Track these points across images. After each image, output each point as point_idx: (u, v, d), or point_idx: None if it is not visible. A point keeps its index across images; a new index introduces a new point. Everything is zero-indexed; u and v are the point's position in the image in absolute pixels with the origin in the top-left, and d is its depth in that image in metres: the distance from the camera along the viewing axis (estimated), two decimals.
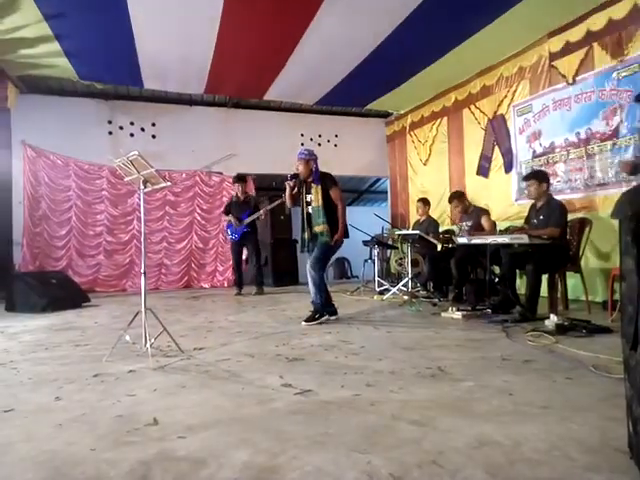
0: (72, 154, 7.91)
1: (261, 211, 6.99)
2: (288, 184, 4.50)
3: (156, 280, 8.26)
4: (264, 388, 2.42)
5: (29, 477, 1.51)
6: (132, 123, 8.34)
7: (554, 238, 4.29)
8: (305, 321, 4.33)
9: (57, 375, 2.73)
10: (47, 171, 7.82)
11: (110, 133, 8.22)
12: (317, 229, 4.40)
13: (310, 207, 4.46)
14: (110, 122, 8.23)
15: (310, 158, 4.43)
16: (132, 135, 8.34)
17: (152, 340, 3.07)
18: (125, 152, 3.20)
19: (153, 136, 8.45)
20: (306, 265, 4.49)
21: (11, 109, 7.13)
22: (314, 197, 4.40)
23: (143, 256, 3.30)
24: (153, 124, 8.44)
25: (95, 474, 1.52)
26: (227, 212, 7.17)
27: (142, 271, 3.27)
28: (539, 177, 4.63)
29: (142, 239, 3.37)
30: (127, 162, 3.18)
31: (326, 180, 4.44)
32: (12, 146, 7.69)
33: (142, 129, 8.40)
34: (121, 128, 8.28)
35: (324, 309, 4.44)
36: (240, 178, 7.20)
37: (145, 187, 3.27)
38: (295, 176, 4.48)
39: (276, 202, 7.03)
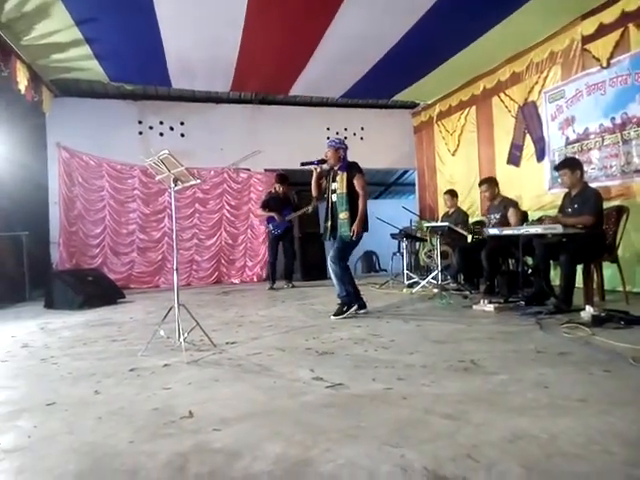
0: (104, 155, 8.11)
1: (309, 207, 7.11)
2: (315, 169, 4.50)
3: (187, 276, 8.41)
4: (295, 381, 2.44)
5: (71, 468, 1.57)
6: (161, 122, 8.49)
7: (588, 227, 4.16)
8: (334, 315, 4.34)
9: (95, 369, 2.82)
10: (81, 172, 8.04)
11: (140, 133, 8.39)
12: (341, 216, 4.39)
13: (335, 195, 4.45)
14: (140, 122, 8.39)
15: (339, 147, 4.45)
16: (162, 134, 8.48)
17: (186, 335, 3.14)
18: (156, 151, 3.26)
19: (182, 135, 8.57)
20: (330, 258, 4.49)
21: (46, 113, 7.34)
22: (339, 185, 4.40)
23: (175, 253, 3.37)
24: (182, 123, 8.56)
25: (134, 466, 1.56)
26: (265, 207, 7.29)
27: (174, 267, 3.34)
28: (571, 165, 4.49)
29: (174, 236, 3.44)
30: (158, 161, 3.24)
31: (352, 168, 4.43)
32: (47, 148, 7.95)
33: (171, 128, 8.53)
34: (151, 128, 8.43)
35: (351, 301, 4.41)
36: (284, 178, 7.34)
37: (176, 185, 3.32)
38: (322, 161, 4.48)
39: (313, 205, 7.14)
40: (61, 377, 2.71)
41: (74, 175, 8.00)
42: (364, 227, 4.44)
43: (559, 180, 5.04)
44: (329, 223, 4.50)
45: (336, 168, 4.46)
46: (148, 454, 1.64)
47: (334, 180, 4.47)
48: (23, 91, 6.00)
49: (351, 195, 4.36)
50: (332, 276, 4.46)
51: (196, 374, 2.65)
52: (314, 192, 4.61)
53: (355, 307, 4.41)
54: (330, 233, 4.50)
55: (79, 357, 3.18)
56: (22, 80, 5.91)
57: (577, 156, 5.48)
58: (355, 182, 4.37)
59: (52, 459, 1.64)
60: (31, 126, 7.47)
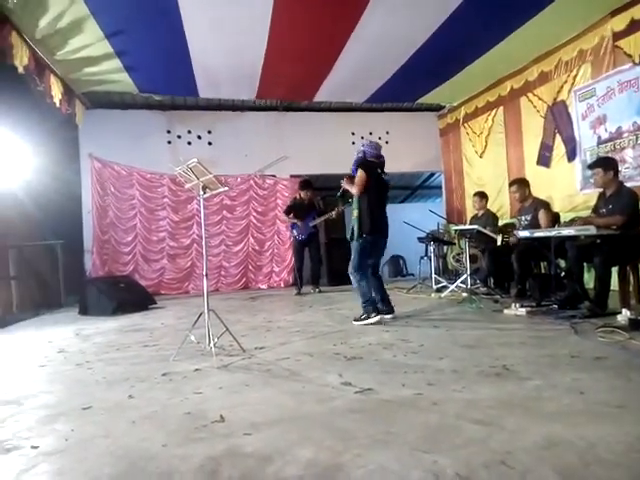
0: (134, 164, 8.31)
1: (332, 212, 7.16)
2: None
3: (216, 282, 8.51)
4: (324, 386, 2.44)
5: (108, 471, 1.60)
6: (189, 132, 8.64)
7: (619, 227, 4.04)
8: (354, 320, 4.31)
9: (129, 374, 2.88)
10: (112, 181, 8.26)
11: (169, 142, 8.56)
12: (354, 214, 4.43)
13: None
14: (169, 132, 8.57)
15: (360, 150, 4.54)
16: (190, 143, 8.63)
17: (215, 340, 3.18)
18: (185, 160, 3.33)
19: (209, 143, 8.71)
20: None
21: (79, 125, 7.57)
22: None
23: (205, 259, 3.42)
24: (209, 131, 8.71)
25: (168, 469, 1.59)
26: (288, 213, 7.33)
27: (204, 273, 3.39)
28: (604, 165, 4.36)
29: (203, 243, 3.49)
30: (187, 169, 3.31)
31: (358, 167, 4.43)
32: (80, 159, 8.19)
33: (199, 137, 8.68)
34: (179, 137, 8.60)
35: (370, 309, 4.26)
36: (308, 185, 7.38)
37: (204, 193, 3.38)
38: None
39: (337, 210, 7.21)
40: (96, 382, 2.77)
41: (106, 185, 8.22)
42: (370, 228, 4.34)
43: (591, 180, 4.91)
44: (354, 225, 4.49)
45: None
46: (181, 457, 1.66)
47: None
48: (57, 104, 6.21)
49: (361, 195, 4.35)
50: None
51: (226, 379, 2.67)
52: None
53: (374, 319, 4.20)
54: (351, 234, 4.49)
55: (113, 362, 3.26)
56: (56, 94, 6.11)
57: (610, 155, 5.33)
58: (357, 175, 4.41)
59: (89, 462, 1.68)
60: (64, 138, 7.71)
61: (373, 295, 4.38)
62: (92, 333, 4.56)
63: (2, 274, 6.02)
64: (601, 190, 4.51)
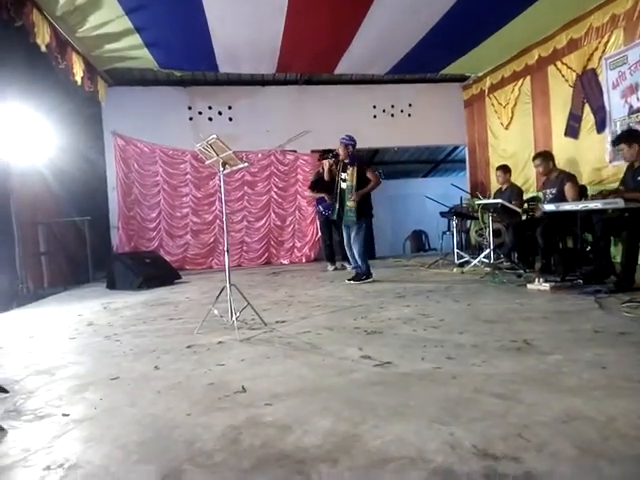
0: (157, 141, 8.37)
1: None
2: (328, 161, 6.28)
3: (238, 257, 8.61)
4: (344, 359, 2.47)
5: (135, 438, 1.67)
6: (210, 107, 8.64)
7: None
8: (351, 280, 5.33)
9: (155, 346, 2.97)
10: (136, 158, 8.35)
11: (190, 119, 8.58)
12: (348, 204, 5.26)
13: (344, 184, 5.34)
14: (190, 108, 8.58)
15: (349, 143, 5.32)
16: (210, 119, 8.64)
17: (238, 314, 3.24)
18: (205, 136, 3.33)
19: (230, 119, 8.69)
20: (351, 239, 5.39)
21: (102, 102, 7.64)
22: (349, 177, 5.27)
23: (225, 235, 3.46)
24: (229, 107, 8.68)
25: (191, 437, 1.64)
26: (313, 188, 7.28)
27: (225, 249, 3.44)
28: (627, 138, 4.23)
29: (224, 219, 3.53)
30: (207, 146, 3.32)
31: (362, 163, 5.38)
32: (104, 137, 8.29)
33: (219, 113, 8.67)
34: (200, 113, 8.61)
35: (368, 273, 5.36)
36: (327, 151, 7.24)
37: (224, 169, 3.39)
38: (335, 156, 5.82)
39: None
40: (123, 353, 2.87)
41: (130, 162, 8.32)
42: (369, 213, 5.41)
43: (620, 154, 4.75)
44: (337, 205, 5.44)
45: (346, 161, 5.35)
46: (204, 426, 1.72)
47: (344, 171, 5.38)
48: (80, 82, 6.26)
49: (359, 186, 5.19)
50: (349, 254, 5.55)
51: (248, 351, 2.73)
52: (327, 177, 6.21)
53: (370, 280, 5.35)
54: (338, 214, 5.44)
55: (140, 335, 3.35)
56: (78, 71, 6.16)
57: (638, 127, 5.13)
58: (369, 175, 5.30)
59: (117, 429, 1.76)
60: (88, 116, 7.79)
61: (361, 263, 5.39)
62: (119, 307, 4.69)
63: (33, 250, 6.19)
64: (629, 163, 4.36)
